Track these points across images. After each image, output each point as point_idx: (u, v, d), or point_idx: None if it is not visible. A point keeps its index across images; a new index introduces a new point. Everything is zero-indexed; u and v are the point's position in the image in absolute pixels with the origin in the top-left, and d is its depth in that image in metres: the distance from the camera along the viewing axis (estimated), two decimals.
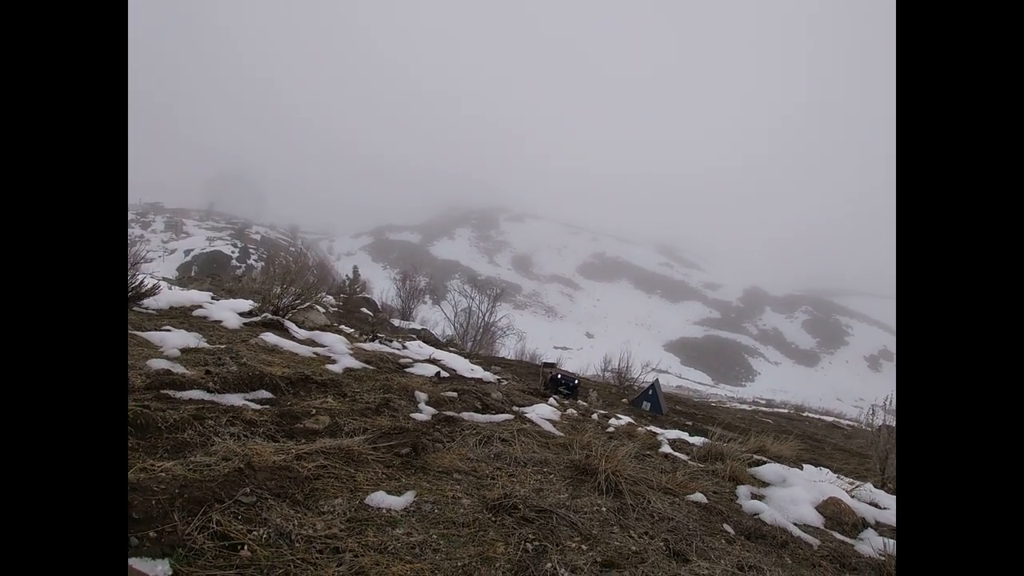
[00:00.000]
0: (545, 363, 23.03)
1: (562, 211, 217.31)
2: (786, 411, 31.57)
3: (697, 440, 9.10)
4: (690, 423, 14.54)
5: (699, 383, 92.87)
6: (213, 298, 10.19)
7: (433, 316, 37.85)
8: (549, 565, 2.92)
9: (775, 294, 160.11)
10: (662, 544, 3.58)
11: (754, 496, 5.48)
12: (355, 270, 40.04)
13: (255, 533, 2.56)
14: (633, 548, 3.40)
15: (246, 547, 2.44)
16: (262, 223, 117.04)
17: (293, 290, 10.55)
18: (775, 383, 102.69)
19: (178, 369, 5.18)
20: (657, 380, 17.66)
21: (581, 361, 42.42)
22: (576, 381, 13.50)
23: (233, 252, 79.47)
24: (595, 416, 10.06)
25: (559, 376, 13.78)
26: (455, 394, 7.12)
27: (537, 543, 3.17)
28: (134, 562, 2.14)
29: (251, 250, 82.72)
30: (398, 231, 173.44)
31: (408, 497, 3.45)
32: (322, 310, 13.75)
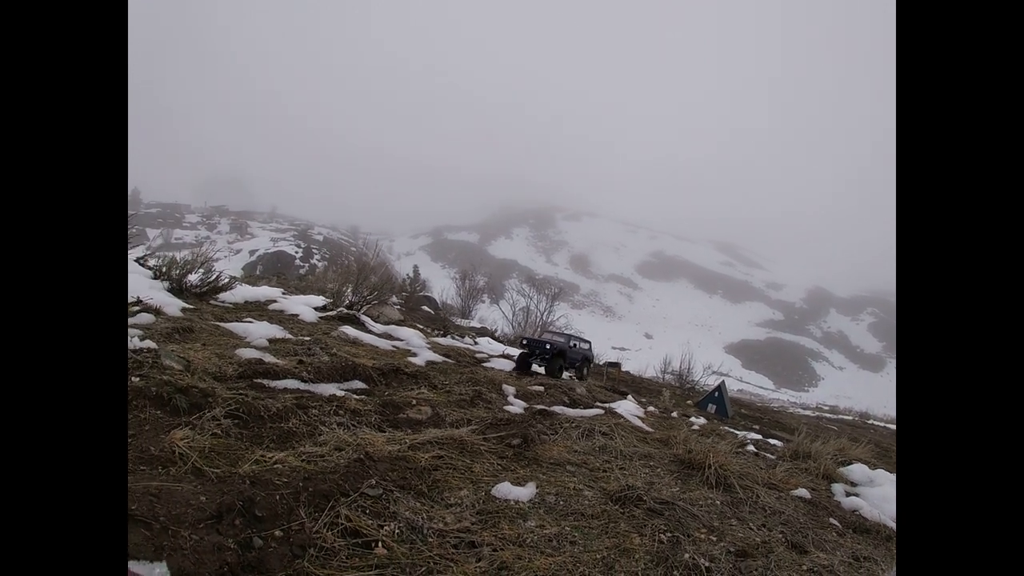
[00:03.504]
0: (608, 363, 22.67)
1: (619, 209, 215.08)
2: (850, 418, 30.21)
3: (774, 443, 9.12)
4: (757, 427, 13.99)
5: (760, 387, 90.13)
6: (284, 293, 10.34)
7: (491, 315, 37.92)
8: (687, 555, 2.87)
9: (840, 295, 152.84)
10: (780, 536, 3.62)
11: (849, 493, 5.74)
12: (415, 269, 40.58)
13: (387, 528, 2.37)
14: (757, 540, 3.40)
15: (380, 544, 2.23)
16: (324, 224, 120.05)
17: (369, 284, 10.59)
18: (839, 389, 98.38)
19: (269, 359, 5.13)
20: (723, 382, 17.09)
21: (640, 362, 41.71)
22: (548, 345, 10.36)
23: (296, 252, 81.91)
24: (675, 415, 9.79)
25: (523, 341, 11.07)
26: (541, 388, 7.04)
27: (669, 534, 3.14)
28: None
29: (314, 250, 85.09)
30: (456, 231, 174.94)
31: (531, 488, 3.38)
32: (395, 305, 13.78)
